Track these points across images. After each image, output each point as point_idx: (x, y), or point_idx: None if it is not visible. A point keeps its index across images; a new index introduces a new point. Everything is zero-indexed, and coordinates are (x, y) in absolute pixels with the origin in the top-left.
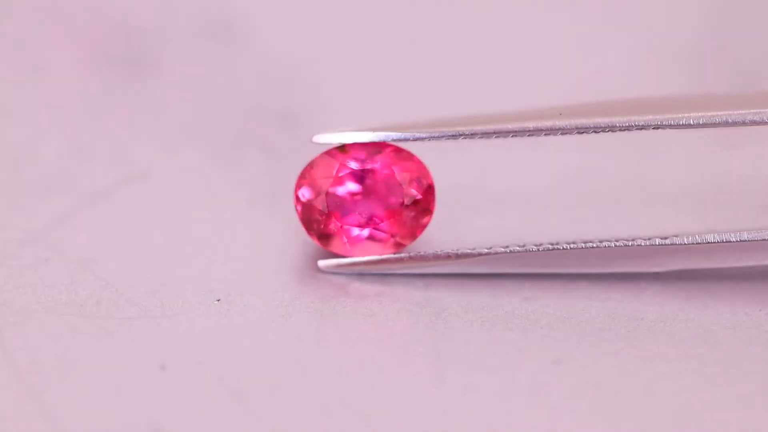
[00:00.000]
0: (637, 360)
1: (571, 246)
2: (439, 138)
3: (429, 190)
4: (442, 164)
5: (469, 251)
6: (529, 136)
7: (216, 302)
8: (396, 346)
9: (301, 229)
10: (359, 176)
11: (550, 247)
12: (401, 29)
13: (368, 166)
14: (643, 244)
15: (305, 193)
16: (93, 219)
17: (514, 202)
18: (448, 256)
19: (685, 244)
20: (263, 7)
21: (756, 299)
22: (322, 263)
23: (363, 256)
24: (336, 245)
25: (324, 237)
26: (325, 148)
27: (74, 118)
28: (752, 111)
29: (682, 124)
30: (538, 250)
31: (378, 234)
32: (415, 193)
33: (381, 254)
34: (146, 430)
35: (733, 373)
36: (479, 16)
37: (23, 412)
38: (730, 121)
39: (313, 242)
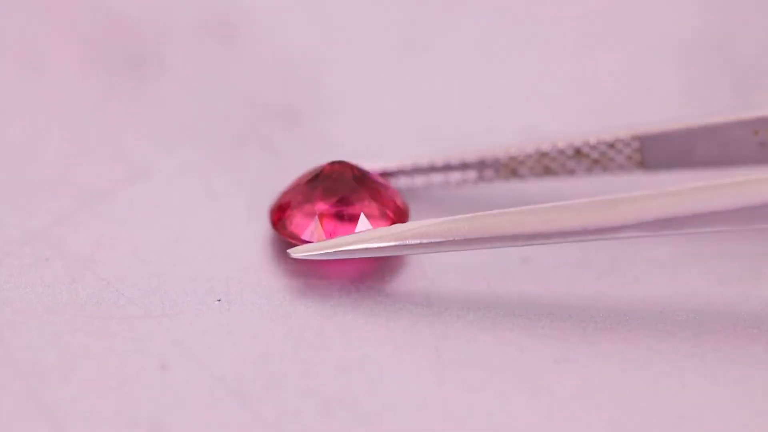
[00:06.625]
0: (637, 360)
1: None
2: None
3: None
4: None
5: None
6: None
7: (217, 302)
8: (396, 346)
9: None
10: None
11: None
12: (402, 27)
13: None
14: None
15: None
16: (93, 218)
17: None
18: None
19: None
20: (264, 6)
21: (756, 299)
22: (293, 251)
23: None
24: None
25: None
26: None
27: (74, 118)
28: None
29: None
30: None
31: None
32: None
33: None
34: (146, 430)
35: (733, 373)
36: (480, 14)
37: (23, 412)
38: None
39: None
